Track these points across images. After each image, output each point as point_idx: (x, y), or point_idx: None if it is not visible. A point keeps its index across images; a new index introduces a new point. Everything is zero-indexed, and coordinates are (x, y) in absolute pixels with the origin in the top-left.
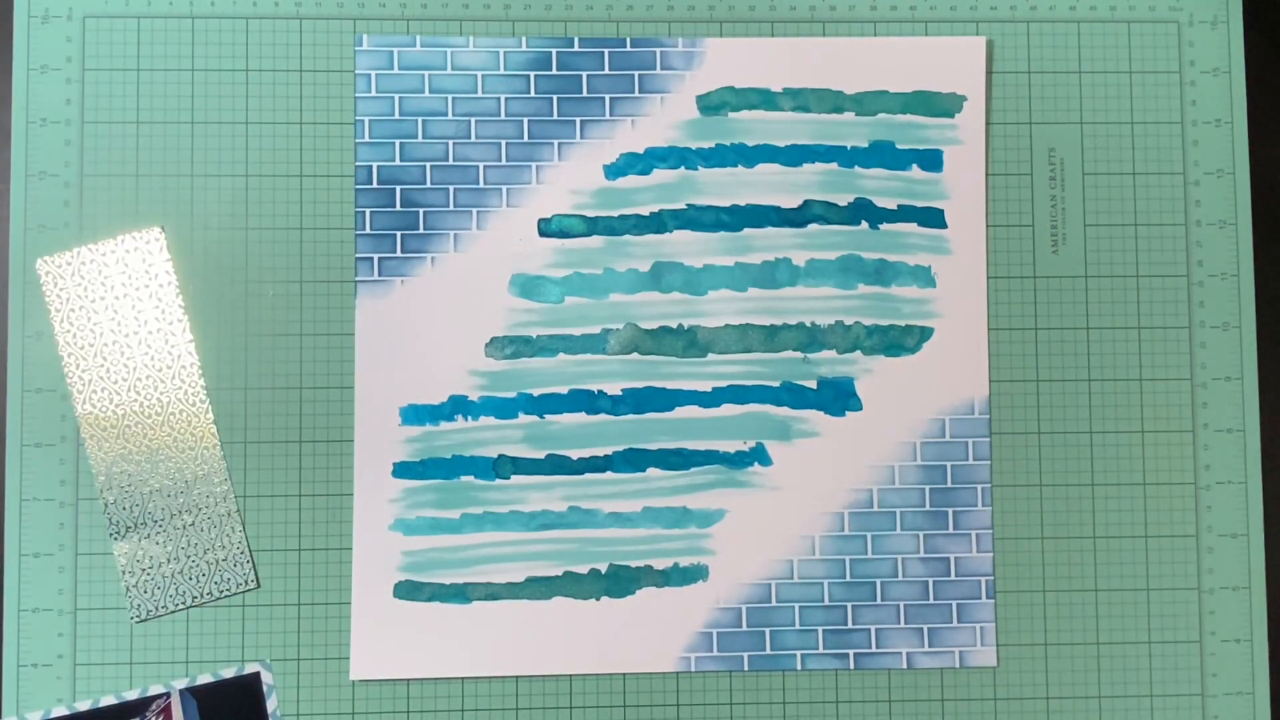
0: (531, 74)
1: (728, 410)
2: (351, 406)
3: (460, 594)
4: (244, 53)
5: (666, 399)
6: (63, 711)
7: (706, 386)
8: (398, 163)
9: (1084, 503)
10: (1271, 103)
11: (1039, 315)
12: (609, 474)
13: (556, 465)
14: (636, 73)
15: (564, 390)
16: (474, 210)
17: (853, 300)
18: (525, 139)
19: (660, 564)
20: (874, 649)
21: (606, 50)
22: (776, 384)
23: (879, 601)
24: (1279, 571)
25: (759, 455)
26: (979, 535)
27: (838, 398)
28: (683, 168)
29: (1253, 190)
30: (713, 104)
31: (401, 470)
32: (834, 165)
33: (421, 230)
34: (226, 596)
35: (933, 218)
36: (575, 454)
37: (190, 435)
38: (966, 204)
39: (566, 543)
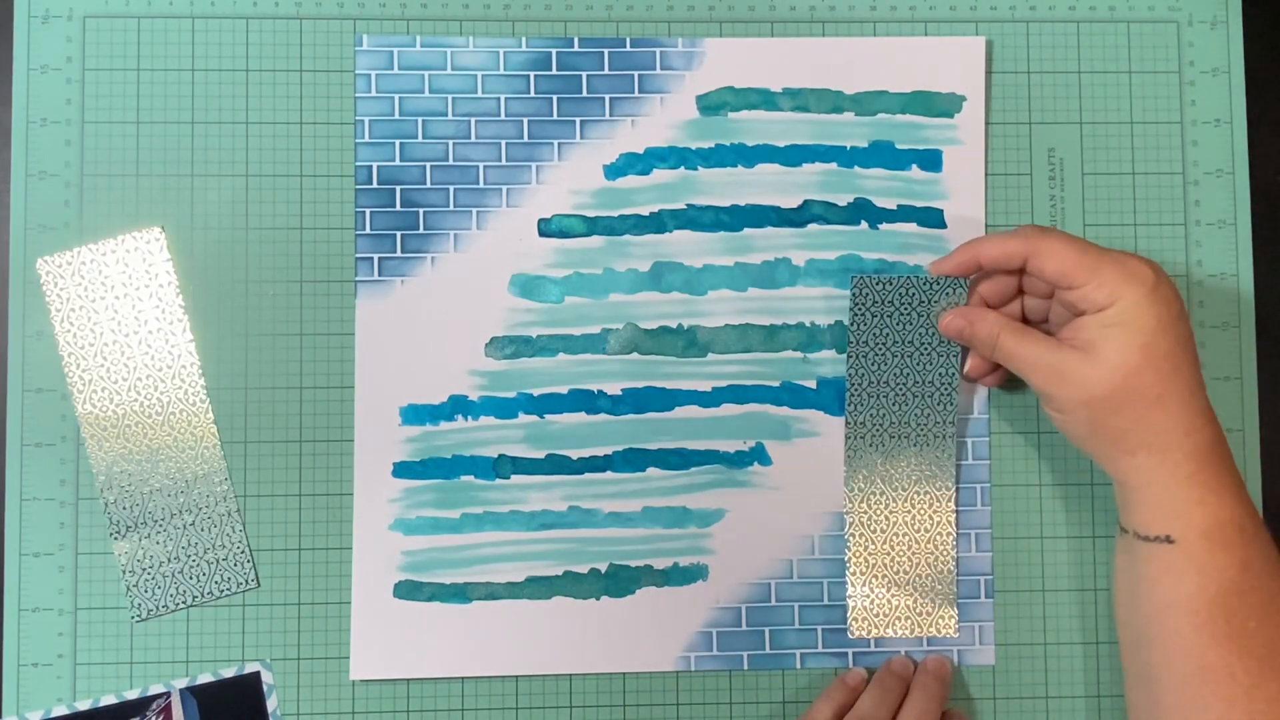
0: (531, 74)
1: (727, 410)
2: (351, 406)
3: (460, 594)
4: (244, 53)
5: (666, 399)
6: (63, 711)
7: (706, 386)
8: (398, 163)
9: (1083, 502)
10: (1271, 103)
11: None
12: (609, 474)
13: (556, 465)
14: (636, 73)
15: (564, 390)
16: (474, 210)
17: None
18: (525, 139)
19: (660, 564)
20: (873, 648)
21: (606, 50)
22: (776, 384)
23: None
24: None
25: (759, 455)
26: (978, 535)
27: (838, 398)
28: (682, 168)
29: (1252, 190)
30: (712, 104)
31: (401, 470)
32: (833, 165)
33: (421, 230)
34: (226, 596)
35: (932, 218)
36: (575, 454)
37: (190, 435)
38: (966, 204)
39: (566, 543)
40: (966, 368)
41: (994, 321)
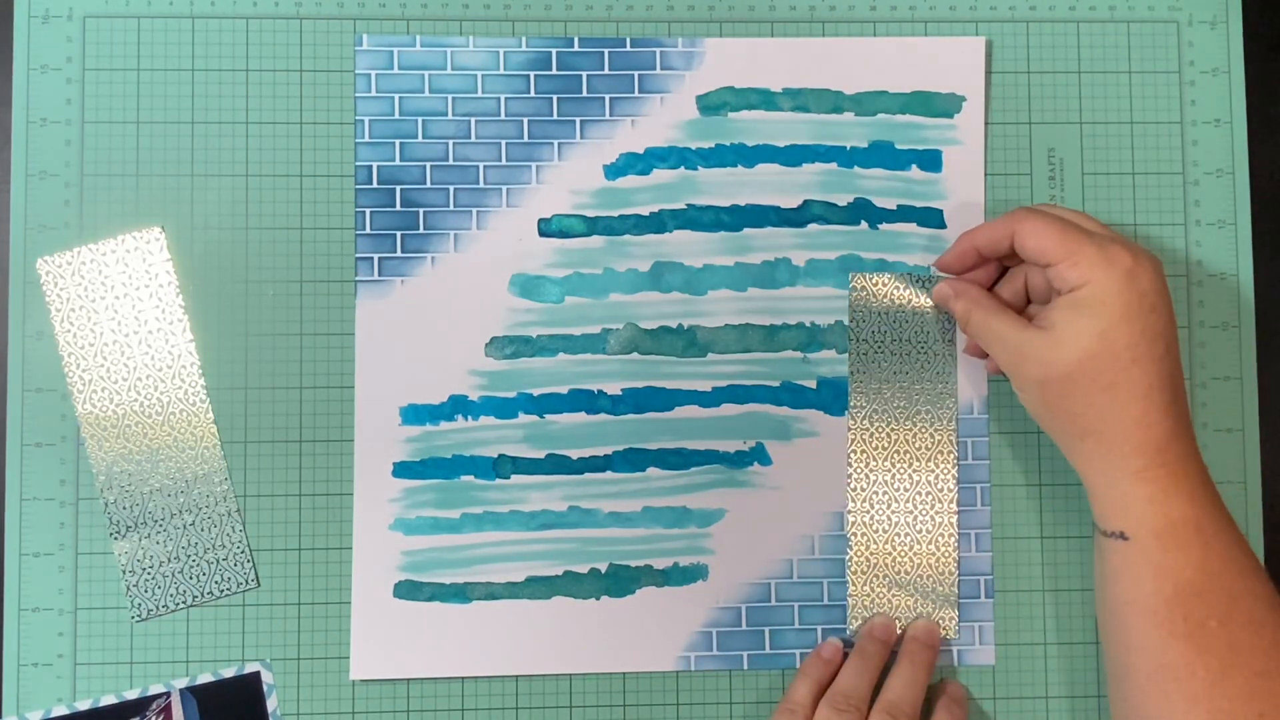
0: (531, 74)
1: (728, 410)
2: (351, 406)
3: (460, 594)
4: (244, 53)
5: (666, 399)
6: (63, 711)
7: (706, 386)
8: (398, 163)
9: (1083, 502)
10: (1271, 103)
11: None
12: (609, 474)
13: (556, 465)
14: (636, 73)
15: (564, 390)
16: (474, 210)
17: None
18: (525, 139)
19: (660, 564)
20: None
21: (606, 50)
22: (776, 384)
23: None
24: (1278, 571)
25: (759, 455)
26: (978, 535)
27: (838, 398)
28: (682, 168)
29: (1252, 190)
30: (712, 104)
31: (401, 470)
32: (833, 165)
33: (421, 230)
34: (226, 596)
35: (932, 218)
36: (575, 454)
37: (190, 435)
38: (966, 204)
39: (566, 542)
40: (964, 346)
41: (973, 297)
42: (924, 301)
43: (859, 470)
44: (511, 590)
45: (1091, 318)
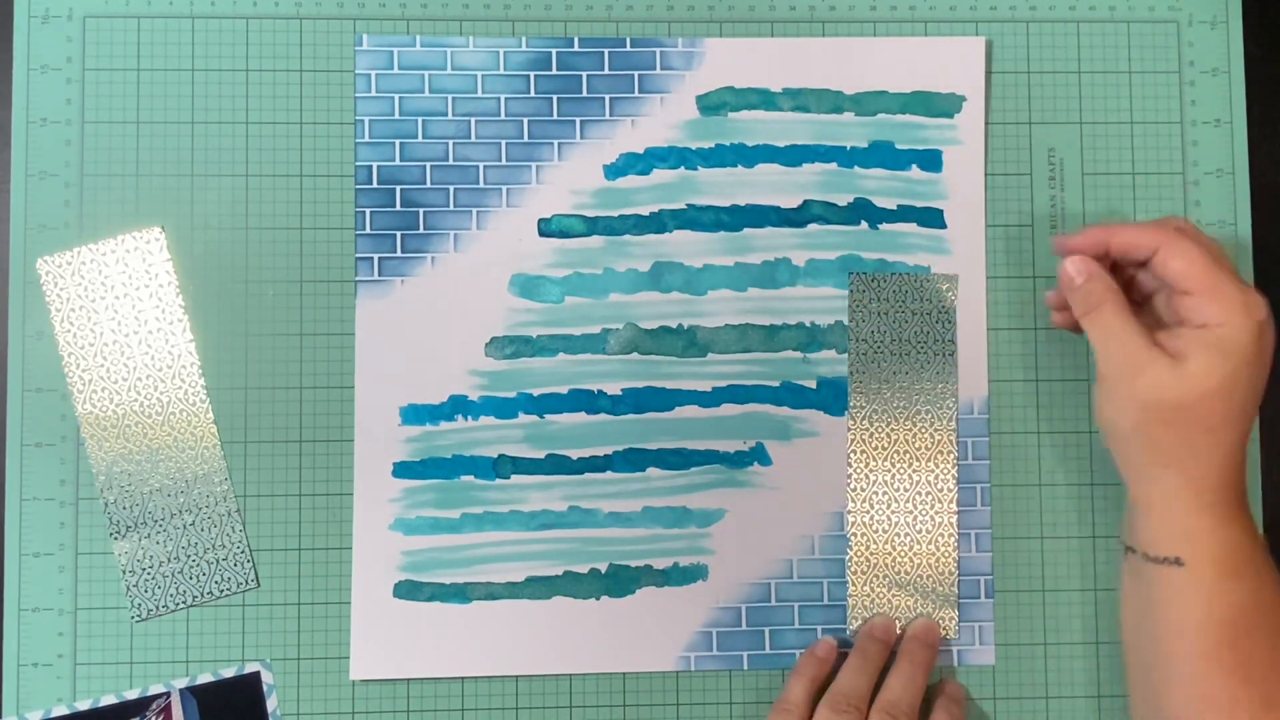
0: (531, 74)
1: (727, 410)
2: (351, 406)
3: (460, 594)
4: (244, 53)
5: (666, 399)
6: (63, 711)
7: (706, 386)
8: (398, 163)
9: (1083, 502)
10: (1271, 103)
11: (1039, 315)
12: (609, 474)
13: (556, 465)
14: (636, 73)
15: (564, 390)
16: (474, 210)
17: None
18: (525, 139)
19: (660, 564)
20: None
21: (606, 50)
22: (776, 384)
23: None
24: None
25: (759, 455)
26: (978, 535)
27: (838, 398)
28: (682, 168)
29: (1252, 190)
30: (712, 104)
31: (401, 470)
32: (833, 165)
33: (421, 230)
34: (226, 596)
35: (932, 218)
36: (575, 454)
37: (190, 435)
38: (966, 204)
39: (566, 542)
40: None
41: (1110, 285)
42: (924, 301)
43: (859, 470)
44: (511, 590)
45: (1224, 359)
